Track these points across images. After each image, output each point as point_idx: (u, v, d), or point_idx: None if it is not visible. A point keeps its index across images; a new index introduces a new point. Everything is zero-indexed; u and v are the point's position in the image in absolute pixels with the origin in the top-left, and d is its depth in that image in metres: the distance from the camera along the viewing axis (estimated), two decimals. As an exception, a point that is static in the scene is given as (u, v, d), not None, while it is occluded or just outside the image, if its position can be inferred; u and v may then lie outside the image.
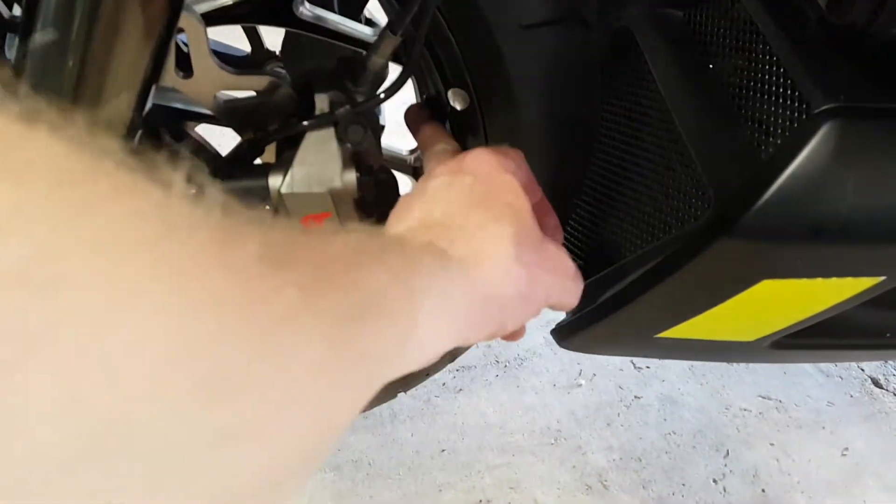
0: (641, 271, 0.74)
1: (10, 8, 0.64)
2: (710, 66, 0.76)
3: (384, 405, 1.12)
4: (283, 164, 0.59)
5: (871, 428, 1.19)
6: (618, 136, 0.85)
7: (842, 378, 1.27)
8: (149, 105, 0.50)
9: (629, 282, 0.76)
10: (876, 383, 1.27)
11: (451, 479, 1.07)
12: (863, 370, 1.29)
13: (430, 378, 1.00)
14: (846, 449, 1.15)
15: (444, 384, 1.20)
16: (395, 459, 1.10)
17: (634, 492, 1.08)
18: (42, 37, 0.45)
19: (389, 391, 0.97)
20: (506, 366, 1.23)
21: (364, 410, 0.98)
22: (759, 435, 1.17)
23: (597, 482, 1.08)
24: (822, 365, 1.28)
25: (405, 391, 0.99)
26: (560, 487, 1.07)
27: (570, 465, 1.10)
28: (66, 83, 0.46)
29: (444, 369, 0.99)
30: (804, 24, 0.66)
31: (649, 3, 0.82)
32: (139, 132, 0.52)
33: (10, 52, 0.60)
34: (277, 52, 0.83)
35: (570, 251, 0.93)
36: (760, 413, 1.20)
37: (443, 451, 1.11)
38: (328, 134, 0.59)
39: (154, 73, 0.48)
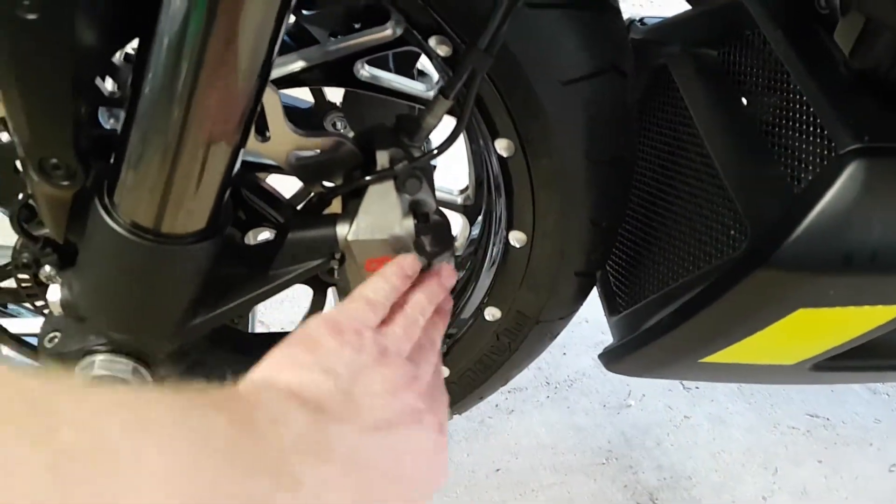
0: (684, 300, 0.79)
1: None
2: (744, 102, 0.80)
3: (440, 427, 1.18)
4: (348, 214, 0.66)
5: (920, 445, 1.21)
6: (657, 168, 0.90)
7: (888, 395, 1.28)
8: (237, 167, 0.57)
9: (672, 310, 0.81)
10: (924, 400, 1.28)
11: (505, 497, 1.12)
12: (910, 386, 1.30)
13: (484, 400, 1.05)
14: (894, 465, 1.17)
15: (496, 405, 1.25)
16: (452, 479, 1.15)
17: (685, 509, 1.11)
18: (146, 108, 0.52)
19: (446, 414, 1.03)
20: (556, 387, 1.28)
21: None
22: (807, 452, 1.19)
23: (648, 501, 1.12)
24: (870, 383, 1.30)
25: (460, 413, 1.05)
26: (612, 505, 1.11)
27: (622, 484, 1.14)
28: (169, 145, 0.53)
29: (497, 391, 1.04)
30: (831, 65, 0.70)
31: (685, 41, 0.87)
32: (229, 190, 0.59)
33: (108, 123, 0.68)
34: (338, 104, 0.90)
35: (612, 280, 0.97)
36: (808, 431, 1.22)
37: (497, 470, 1.16)
38: (388, 186, 0.65)
39: (243, 139, 0.55)
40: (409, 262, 0.63)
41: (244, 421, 0.38)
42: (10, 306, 0.93)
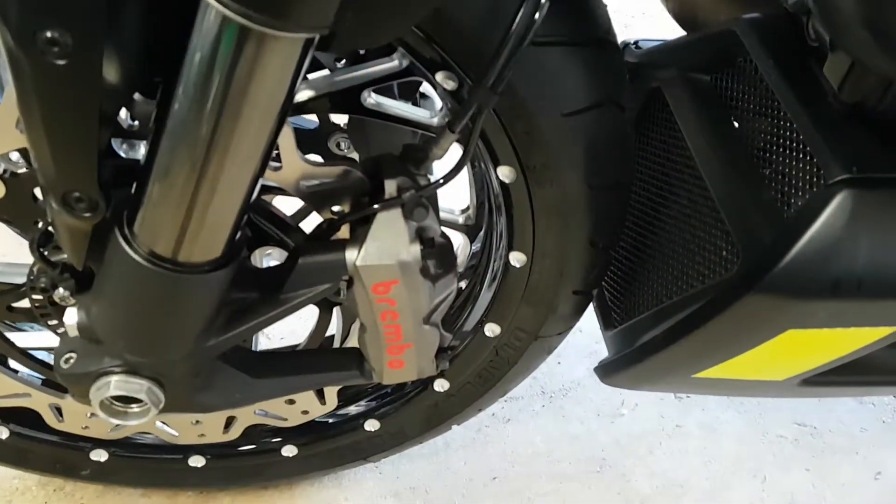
0: (678, 318, 0.82)
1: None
2: (735, 125, 0.83)
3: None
4: (357, 239, 0.68)
5: (905, 453, 1.24)
6: (652, 187, 0.92)
7: (874, 405, 1.32)
8: (256, 192, 0.59)
9: (667, 327, 0.84)
10: (908, 409, 1.32)
11: (502, 505, 1.15)
12: (894, 396, 1.33)
13: (482, 411, 1.07)
14: (879, 473, 1.21)
15: (493, 414, 1.27)
16: (450, 487, 1.18)
17: (677, 516, 1.14)
18: (169, 143, 0.54)
19: (444, 425, 1.05)
20: (551, 396, 1.31)
21: (420, 442, 1.06)
22: (796, 460, 1.22)
23: (640, 507, 1.15)
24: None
25: (459, 424, 1.07)
26: (606, 513, 1.14)
27: (616, 491, 1.17)
28: (191, 179, 0.55)
29: (495, 402, 1.06)
30: (821, 97, 0.73)
31: (679, 66, 0.90)
32: (246, 216, 0.61)
33: (121, 150, 0.70)
34: (342, 125, 0.93)
35: (608, 295, 1.00)
36: (796, 439, 1.25)
37: (494, 478, 1.19)
38: (396, 214, 0.68)
39: (261, 172, 0.57)
40: None
41: None
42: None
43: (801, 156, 0.72)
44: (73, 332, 0.70)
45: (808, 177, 0.70)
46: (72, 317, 0.69)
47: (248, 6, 0.43)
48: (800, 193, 0.70)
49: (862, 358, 0.82)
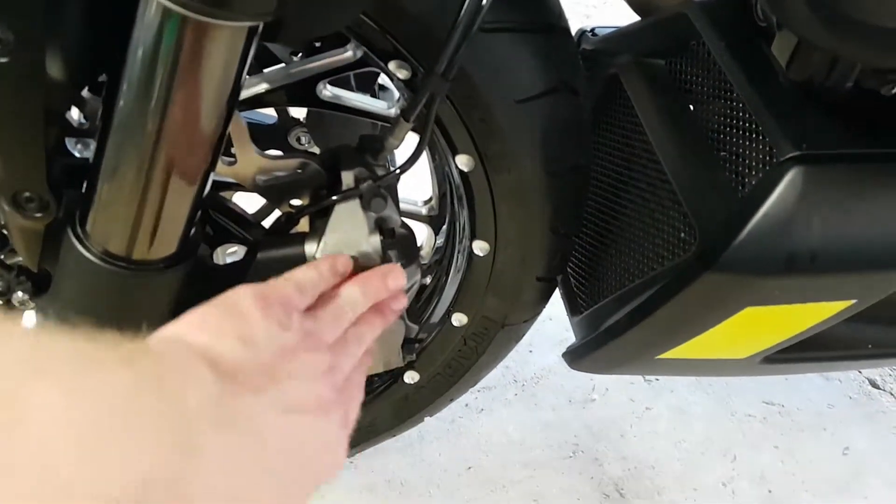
0: (639, 301, 0.82)
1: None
2: (690, 109, 0.84)
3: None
4: (316, 232, 0.68)
5: (871, 427, 1.27)
6: (611, 173, 0.93)
7: (840, 381, 1.34)
8: (208, 188, 0.59)
9: (630, 310, 0.84)
10: (873, 384, 1.34)
11: (477, 494, 1.15)
12: (860, 372, 1.36)
13: (454, 401, 1.08)
14: (847, 448, 1.23)
15: (466, 405, 1.28)
16: (426, 478, 1.18)
17: (650, 498, 1.15)
18: (116, 139, 0.54)
19: (417, 417, 1.06)
20: (523, 384, 1.32)
21: (393, 435, 1.05)
22: (764, 439, 1.24)
23: (614, 491, 1.16)
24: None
25: (431, 415, 1.08)
26: (580, 498, 1.15)
27: (589, 476, 1.18)
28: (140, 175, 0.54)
29: (466, 392, 1.07)
30: (771, 76, 0.74)
31: (635, 52, 0.91)
32: (199, 211, 0.61)
33: (75, 150, 0.69)
34: (302, 119, 0.92)
35: (573, 282, 1.01)
36: (764, 418, 1.27)
37: (469, 468, 1.19)
38: (355, 205, 0.68)
39: (212, 165, 0.57)
40: (342, 260, 0.62)
41: (149, 379, 0.37)
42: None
43: (753, 136, 0.73)
44: (32, 336, 0.69)
45: (761, 156, 0.71)
46: (29, 319, 0.68)
47: (187, -4, 0.43)
48: (753, 173, 0.71)
49: (822, 333, 0.84)
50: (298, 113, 0.93)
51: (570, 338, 1.22)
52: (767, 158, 0.70)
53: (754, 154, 0.72)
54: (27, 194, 0.56)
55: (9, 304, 0.74)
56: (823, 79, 0.69)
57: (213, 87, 0.51)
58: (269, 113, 0.91)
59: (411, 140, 0.69)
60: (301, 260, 0.68)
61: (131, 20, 0.48)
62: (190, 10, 0.44)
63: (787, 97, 0.72)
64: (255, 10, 0.46)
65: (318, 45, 0.80)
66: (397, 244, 0.71)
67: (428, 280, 0.97)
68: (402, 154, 0.75)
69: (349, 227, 0.68)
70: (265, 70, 0.72)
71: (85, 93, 0.63)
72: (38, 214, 0.57)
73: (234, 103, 0.54)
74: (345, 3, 0.53)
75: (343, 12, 0.55)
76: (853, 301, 0.75)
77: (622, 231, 0.90)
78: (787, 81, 0.72)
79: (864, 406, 1.31)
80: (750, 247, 0.69)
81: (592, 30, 0.99)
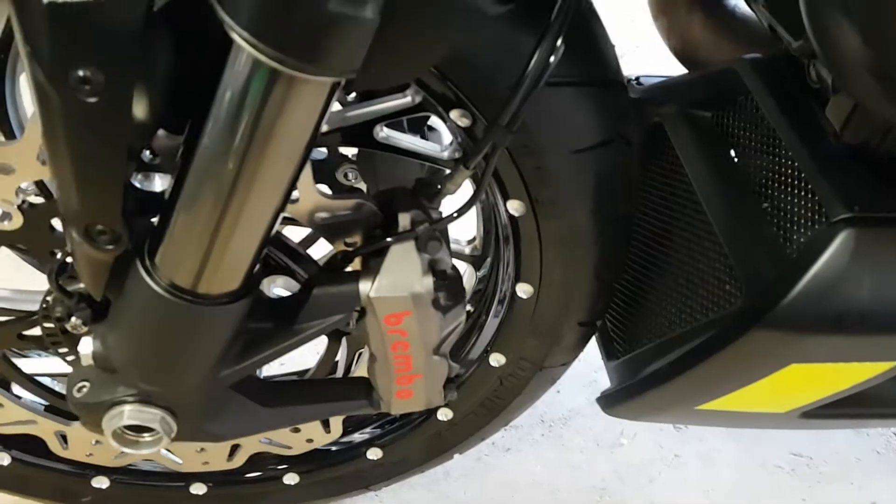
0: (682, 351, 0.83)
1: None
2: (737, 162, 0.85)
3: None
4: (370, 271, 0.69)
5: (899, 483, 1.26)
6: (655, 221, 0.94)
7: (868, 435, 1.33)
8: (276, 226, 0.60)
9: (671, 360, 0.85)
10: (902, 440, 1.34)
11: (503, 534, 1.15)
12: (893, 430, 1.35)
13: (484, 440, 1.08)
14: (874, 503, 1.22)
15: (493, 443, 1.28)
16: (450, 516, 1.18)
17: (676, 546, 1.15)
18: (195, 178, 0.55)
19: (447, 454, 1.06)
20: (551, 425, 1.32)
21: (421, 471, 1.06)
22: (792, 490, 1.23)
23: (640, 537, 1.15)
24: (852, 426, 1.35)
25: (461, 453, 1.08)
26: (606, 542, 1.15)
27: (615, 520, 1.18)
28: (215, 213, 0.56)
29: (497, 431, 1.07)
30: (822, 136, 0.75)
31: (681, 103, 0.92)
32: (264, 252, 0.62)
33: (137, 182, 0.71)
34: (350, 156, 0.94)
35: (610, 327, 1.01)
36: (793, 469, 1.27)
37: (494, 507, 1.19)
38: (410, 246, 0.69)
39: (283, 207, 0.58)
40: None
41: None
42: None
43: (802, 193, 0.73)
44: (86, 361, 0.70)
45: (809, 214, 0.72)
46: (86, 346, 0.69)
47: (282, 51, 0.45)
48: (801, 230, 0.72)
49: (862, 391, 0.84)
50: (347, 150, 0.95)
51: (599, 380, 1.22)
52: (816, 217, 0.71)
53: (802, 212, 0.73)
54: (100, 227, 0.57)
55: (62, 329, 0.76)
56: (878, 143, 0.69)
57: (293, 135, 0.52)
58: (319, 149, 0.93)
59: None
60: (355, 298, 0.69)
61: (220, 67, 0.50)
62: (283, 64, 0.45)
63: (839, 158, 0.73)
64: (344, 67, 0.47)
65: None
66: (447, 286, 0.72)
67: (469, 311, 0.97)
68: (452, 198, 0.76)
69: (404, 268, 0.69)
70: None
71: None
72: (110, 247, 0.58)
73: (311, 150, 0.55)
74: (419, 59, 0.54)
75: (416, 66, 0.57)
76: (897, 362, 0.75)
77: (664, 279, 0.90)
78: (838, 143, 0.73)
79: (891, 461, 1.30)
80: (799, 305, 0.69)
81: (637, 78, 1.00)
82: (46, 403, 0.93)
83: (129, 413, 0.70)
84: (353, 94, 0.86)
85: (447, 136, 0.83)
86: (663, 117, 0.93)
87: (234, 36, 0.45)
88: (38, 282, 0.78)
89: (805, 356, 0.74)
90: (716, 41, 0.94)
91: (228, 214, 0.55)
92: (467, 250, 0.99)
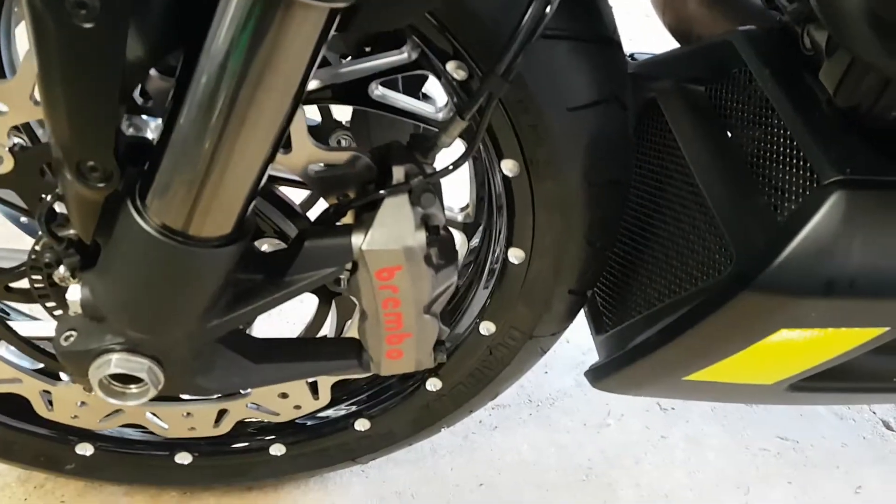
0: (670, 319, 0.83)
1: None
2: (729, 134, 0.85)
3: (425, 441, 1.20)
4: (363, 224, 0.69)
5: (883, 468, 1.26)
6: (647, 194, 0.94)
7: (854, 420, 1.34)
8: (264, 180, 0.60)
9: (659, 329, 0.85)
10: (887, 426, 1.34)
11: (489, 512, 1.15)
12: (874, 413, 1.36)
13: (472, 413, 1.08)
14: (860, 487, 1.22)
15: (480, 421, 1.28)
16: (437, 493, 1.17)
17: (661, 526, 1.15)
18: (187, 119, 0.55)
19: (434, 427, 1.05)
20: (538, 405, 1.31)
21: (409, 444, 1.05)
22: (778, 474, 1.24)
23: (626, 517, 1.15)
24: (836, 408, 1.36)
25: (448, 426, 1.07)
26: (592, 522, 1.15)
27: (601, 500, 1.18)
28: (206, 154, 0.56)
29: (485, 405, 1.07)
30: (815, 103, 0.75)
31: (675, 78, 0.92)
32: (255, 199, 0.62)
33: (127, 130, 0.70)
34: (344, 122, 0.94)
35: (599, 300, 1.01)
36: (779, 453, 1.27)
37: (481, 485, 1.19)
38: (403, 200, 0.69)
39: (274, 152, 0.58)
40: None
41: None
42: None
43: (795, 161, 0.74)
44: (74, 310, 0.69)
45: (801, 181, 0.72)
46: (73, 294, 0.69)
47: (280, -28, 0.45)
48: (793, 197, 0.72)
49: (848, 364, 0.84)
50: (340, 116, 0.95)
51: (587, 361, 1.22)
52: (808, 183, 0.71)
53: (794, 179, 0.73)
54: (91, 164, 0.57)
55: (50, 281, 0.75)
56: (871, 105, 0.70)
57: (289, 68, 0.52)
58: (313, 115, 0.93)
59: (457, 144, 0.71)
60: (347, 251, 0.69)
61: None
62: (281, -15, 0.45)
63: (832, 123, 0.73)
64: (341, -9, 0.47)
65: (367, 49, 0.81)
66: (439, 242, 0.72)
67: (461, 282, 0.97)
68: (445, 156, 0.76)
69: (396, 222, 0.69)
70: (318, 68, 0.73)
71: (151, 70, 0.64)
72: (101, 185, 0.58)
73: (304, 90, 0.55)
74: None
75: (413, 6, 0.57)
76: (886, 329, 0.76)
77: (653, 251, 0.91)
78: (831, 109, 0.74)
79: (877, 446, 1.30)
80: (789, 268, 0.70)
81: (632, 55, 1.01)
82: (41, 366, 0.92)
83: (117, 362, 0.69)
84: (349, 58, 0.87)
85: (441, 102, 0.83)
86: (658, 92, 0.94)
87: (233, -42, 0.45)
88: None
89: (795, 321, 0.74)
90: (710, 16, 0.94)
91: (221, 151, 0.55)
92: (460, 217, 0.99)
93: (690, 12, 0.97)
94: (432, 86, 0.84)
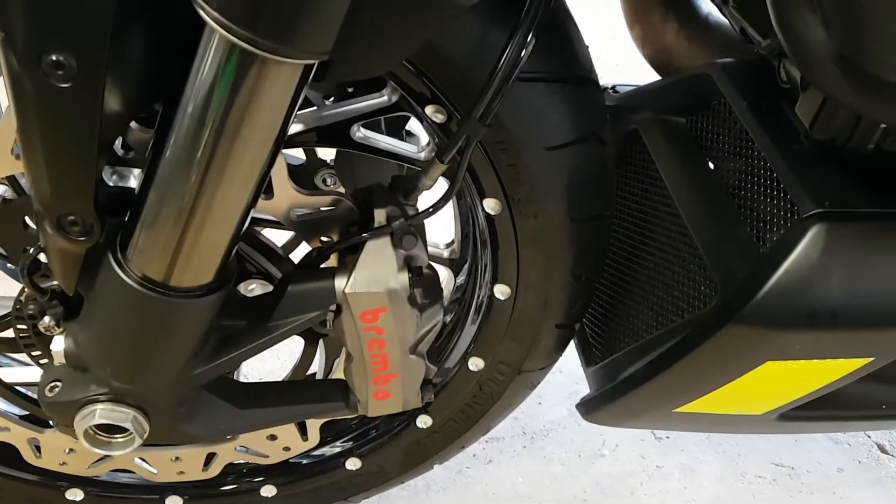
0: (658, 352, 0.83)
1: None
2: (711, 165, 0.86)
3: (418, 477, 1.19)
4: (346, 268, 0.69)
5: (879, 492, 1.26)
6: (632, 225, 0.95)
7: (850, 445, 1.34)
8: (245, 227, 0.60)
9: (648, 361, 0.85)
10: (882, 449, 1.34)
11: (483, 547, 1.14)
12: (869, 437, 1.36)
13: (464, 449, 1.07)
14: (857, 513, 1.22)
15: (474, 455, 1.27)
16: (431, 528, 1.17)
17: (658, 557, 1.14)
18: (166, 169, 0.55)
19: (426, 464, 1.05)
20: (532, 437, 1.31)
21: (401, 482, 1.05)
22: (774, 501, 1.23)
23: (622, 548, 1.15)
24: (831, 433, 1.35)
25: (441, 463, 1.07)
26: (587, 554, 1.14)
27: (597, 532, 1.17)
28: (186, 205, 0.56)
29: (477, 440, 1.06)
30: (793, 135, 0.76)
31: (656, 110, 0.93)
32: (237, 246, 0.62)
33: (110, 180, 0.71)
34: (329, 161, 0.94)
35: (589, 332, 1.01)
36: (774, 480, 1.26)
37: (475, 520, 1.18)
38: (385, 242, 0.69)
39: (255, 200, 0.58)
40: None
41: None
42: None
43: (774, 192, 0.74)
44: (59, 361, 0.69)
45: (782, 213, 0.73)
46: (58, 345, 0.69)
47: (253, 32, 0.45)
48: (774, 229, 0.73)
49: (837, 392, 0.84)
50: (326, 155, 0.95)
51: (580, 391, 1.22)
52: (788, 215, 0.72)
53: (775, 210, 0.74)
54: (72, 217, 0.57)
55: (35, 330, 0.75)
56: (846, 139, 0.71)
57: (266, 121, 0.52)
58: (298, 155, 0.93)
59: (440, 184, 0.71)
60: (330, 294, 0.69)
61: (192, 53, 0.50)
62: (255, 46, 0.46)
63: (810, 155, 0.74)
64: (314, 48, 0.48)
65: (350, 90, 0.82)
66: (423, 283, 0.72)
67: (448, 319, 0.97)
68: (428, 197, 0.76)
69: (379, 264, 0.69)
70: (300, 112, 0.74)
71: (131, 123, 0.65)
72: (82, 238, 0.58)
73: (283, 139, 0.56)
74: (393, 46, 0.55)
75: (388, 56, 0.57)
76: (871, 359, 0.76)
77: (641, 284, 0.91)
78: (809, 141, 0.74)
79: (872, 471, 1.30)
80: (772, 301, 0.70)
81: (614, 87, 1.02)
82: (25, 413, 0.92)
83: (101, 412, 0.69)
84: (332, 99, 0.88)
85: (424, 141, 0.84)
86: (639, 124, 0.95)
87: (206, 17, 0.46)
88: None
89: (779, 353, 0.74)
90: (689, 48, 0.95)
91: (200, 203, 0.55)
92: (445, 254, 0.99)
93: (669, 44, 0.98)
94: (416, 123, 0.85)
